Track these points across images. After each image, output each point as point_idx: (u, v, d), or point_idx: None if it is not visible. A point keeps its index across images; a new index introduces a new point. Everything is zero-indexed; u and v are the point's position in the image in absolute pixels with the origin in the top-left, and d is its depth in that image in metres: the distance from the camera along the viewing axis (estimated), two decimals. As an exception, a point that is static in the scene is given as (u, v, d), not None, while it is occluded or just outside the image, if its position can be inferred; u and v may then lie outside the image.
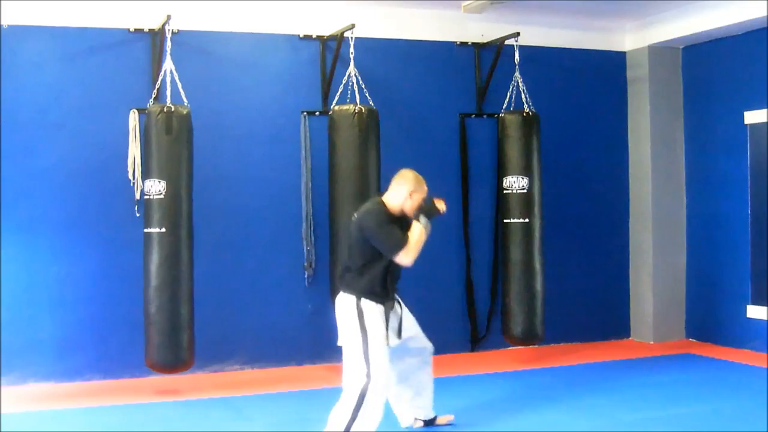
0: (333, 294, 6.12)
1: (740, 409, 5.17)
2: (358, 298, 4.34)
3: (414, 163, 6.93)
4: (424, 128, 7.09)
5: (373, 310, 4.34)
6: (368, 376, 4.26)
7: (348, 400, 4.30)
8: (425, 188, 4.50)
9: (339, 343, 4.45)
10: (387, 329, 4.38)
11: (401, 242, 4.29)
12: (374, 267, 4.37)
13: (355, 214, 4.50)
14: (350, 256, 4.43)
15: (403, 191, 4.44)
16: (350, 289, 4.37)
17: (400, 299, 4.60)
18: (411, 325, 4.67)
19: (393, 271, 4.44)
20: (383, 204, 4.46)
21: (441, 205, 4.50)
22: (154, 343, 5.57)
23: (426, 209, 4.43)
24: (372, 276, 4.36)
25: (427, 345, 4.80)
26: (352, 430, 4.27)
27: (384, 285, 4.40)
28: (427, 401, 4.84)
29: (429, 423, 4.87)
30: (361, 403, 4.26)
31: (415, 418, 4.86)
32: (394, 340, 4.46)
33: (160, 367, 5.65)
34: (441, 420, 4.92)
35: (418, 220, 4.39)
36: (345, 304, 4.39)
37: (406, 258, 4.30)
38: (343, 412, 4.31)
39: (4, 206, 5.95)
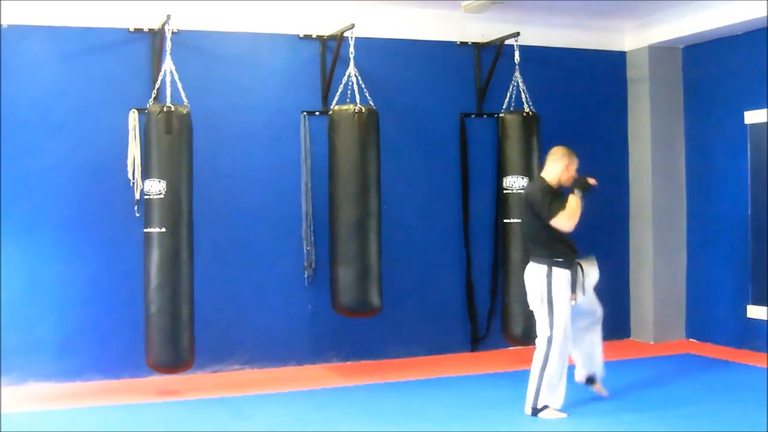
0: (333, 293, 6.15)
1: (740, 409, 5.16)
2: (549, 268, 4.99)
3: (414, 163, 7.02)
4: (424, 128, 7.09)
5: (561, 278, 4.99)
6: (549, 346, 4.94)
7: (534, 369, 4.99)
8: (576, 159, 5.19)
9: (531, 308, 5.13)
10: (575, 290, 5.04)
11: (559, 209, 4.98)
12: (552, 235, 5.02)
13: (523, 192, 5.26)
14: (530, 230, 5.12)
15: (559, 165, 5.14)
16: (540, 259, 5.02)
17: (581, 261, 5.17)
18: (589, 286, 5.21)
19: (568, 237, 5.08)
20: (544, 180, 5.17)
21: (592, 180, 5.21)
22: (155, 343, 5.56)
23: (581, 182, 5.15)
24: (555, 244, 5.01)
25: (597, 308, 5.30)
26: (541, 392, 4.96)
27: (567, 251, 5.04)
28: (597, 361, 5.34)
29: (589, 381, 5.38)
30: (546, 363, 4.95)
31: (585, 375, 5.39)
32: (581, 297, 5.11)
33: (160, 367, 5.64)
34: (596, 387, 5.39)
35: (574, 193, 5.08)
36: (535, 272, 5.04)
37: (565, 223, 4.99)
38: (532, 380, 5.00)
39: (4, 206, 5.95)
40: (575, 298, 5.06)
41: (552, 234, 5.04)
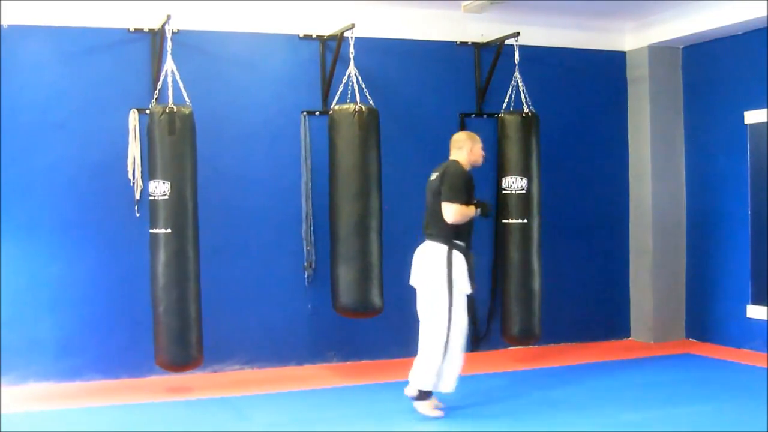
0: (333, 293, 6.15)
1: (740, 409, 5.17)
2: (450, 249, 4.95)
3: (414, 163, 7.01)
4: (424, 128, 7.09)
5: (460, 261, 4.99)
6: (449, 327, 4.90)
7: (433, 350, 4.91)
8: (478, 138, 5.30)
9: (412, 283, 5.12)
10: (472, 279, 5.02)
11: (459, 201, 4.97)
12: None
13: (436, 173, 5.15)
14: (437, 210, 5.02)
15: (464, 151, 5.21)
16: (441, 239, 4.99)
17: None
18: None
19: (470, 226, 5.12)
20: (460, 162, 5.17)
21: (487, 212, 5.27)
22: (164, 343, 5.58)
23: (485, 207, 5.22)
24: (458, 227, 5.00)
25: None
26: (433, 375, 4.92)
27: (466, 238, 5.06)
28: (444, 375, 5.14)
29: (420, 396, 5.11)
30: (445, 352, 4.88)
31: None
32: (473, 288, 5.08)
33: (170, 366, 5.66)
34: (429, 405, 5.08)
35: (476, 207, 5.12)
36: (434, 252, 5.00)
37: (453, 214, 4.96)
38: (428, 363, 4.91)
39: (4, 206, 5.95)
40: (473, 287, 5.06)
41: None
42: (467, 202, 5.06)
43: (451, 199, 4.99)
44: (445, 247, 4.98)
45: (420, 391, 4.95)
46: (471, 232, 5.15)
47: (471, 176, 5.19)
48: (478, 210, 5.15)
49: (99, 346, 6.15)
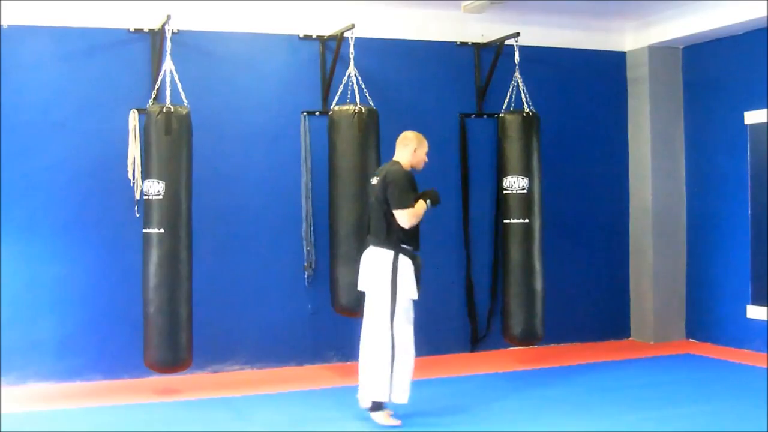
0: (333, 293, 6.15)
1: (740, 409, 5.17)
2: (396, 255, 4.84)
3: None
4: (424, 128, 6.98)
5: (407, 266, 4.86)
6: (392, 335, 4.76)
7: (380, 359, 4.78)
8: (426, 142, 5.14)
9: (361, 289, 5.01)
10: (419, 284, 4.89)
11: (409, 203, 4.87)
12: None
13: (376, 177, 5.03)
14: (385, 219, 4.90)
15: (407, 150, 5.07)
16: (387, 244, 4.87)
17: None
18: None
19: (417, 230, 4.97)
20: (401, 164, 5.04)
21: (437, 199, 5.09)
22: (153, 343, 5.57)
23: (434, 195, 5.04)
24: (404, 232, 4.87)
25: None
26: (386, 386, 4.80)
27: (413, 243, 4.94)
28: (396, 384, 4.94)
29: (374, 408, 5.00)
30: (393, 361, 4.75)
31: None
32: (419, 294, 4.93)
33: (159, 367, 5.65)
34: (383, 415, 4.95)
35: (425, 200, 4.96)
36: (380, 257, 4.88)
37: (407, 220, 4.85)
38: (378, 373, 4.78)
39: (4, 206, 5.95)
40: (418, 292, 4.91)
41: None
42: (416, 201, 4.95)
43: (401, 206, 4.86)
44: (391, 253, 4.86)
45: (374, 402, 4.85)
46: (418, 233, 5.00)
47: (411, 175, 5.05)
48: (428, 202, 4.99)
49: (99, 346, 6.15)
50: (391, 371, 4.79)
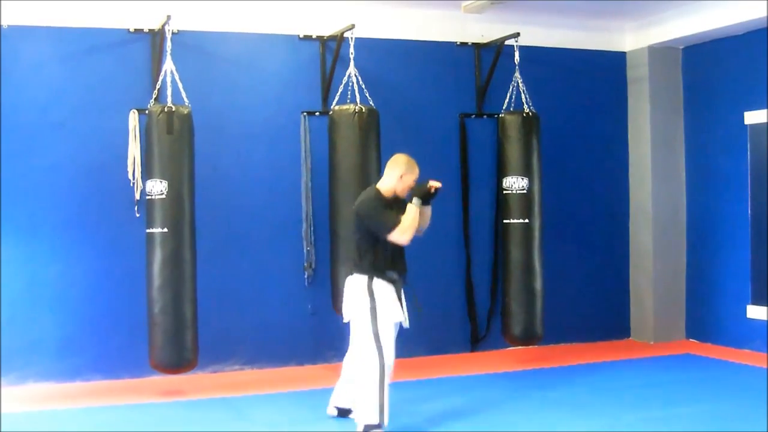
0: (333, 293, 6.15)
1: (740, 409, 5.16)
2: (370, 279, 4.64)
3: (414, 163, 7.00)
4: (424, 128, 7.09)
5: (384, 290, 4.65)
6: (380, 356, 4.56)
7: (369, 384, 4.56)
8: (416, 170, 4.78)
9: (346, 320, 4.78)
10: (402, 308, 4.70)
11: (394, 223, 4.59)
12: (379, 249, 4.66)
13: (354, 205, 4.78)
14: (357, 246, 4.71)
15: (394, 175, 4.75)
16: (361, 269, 4.66)
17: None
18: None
19: (396, 252, 4.73)
20: (378, 190, 4.77)
21: (435, 183, 4.74)
22: (158, 344, 5.56)
23: (419, 191, 4.71)
24: (379, 258, 4.65)
25: None
26: (379, 409, 4.57)
27: (393, 265, 4.70)
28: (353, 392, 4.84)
29: (343, 413, 5.02)
30: (383, 384, 4.55)
31: (335, 406, 5.05)
32: (407, 321, 4.76)
33: (164, 368, 5.65)
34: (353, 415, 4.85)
35: (411, 202, 4.67)
36: (356, 283, 4.68)
37: (400, 237, 4.61)
38: (368, 398, 4.57)
39: (4, 206, 5.95)
40: (404, 318, 4.71)
41: (382, 247, 4.66)
42: (398, 214, 4.65)
43: (388, 229, 4.59)
44: (365, 277, 4.65)
45: (366, 425, 4.64)
46: (397, 255, 4.73)
47: (380, 195, 4.72)
48: (419, 201, 4.66)
49: (99, 346, 6.15)
50: (382, 395, 4.58)
